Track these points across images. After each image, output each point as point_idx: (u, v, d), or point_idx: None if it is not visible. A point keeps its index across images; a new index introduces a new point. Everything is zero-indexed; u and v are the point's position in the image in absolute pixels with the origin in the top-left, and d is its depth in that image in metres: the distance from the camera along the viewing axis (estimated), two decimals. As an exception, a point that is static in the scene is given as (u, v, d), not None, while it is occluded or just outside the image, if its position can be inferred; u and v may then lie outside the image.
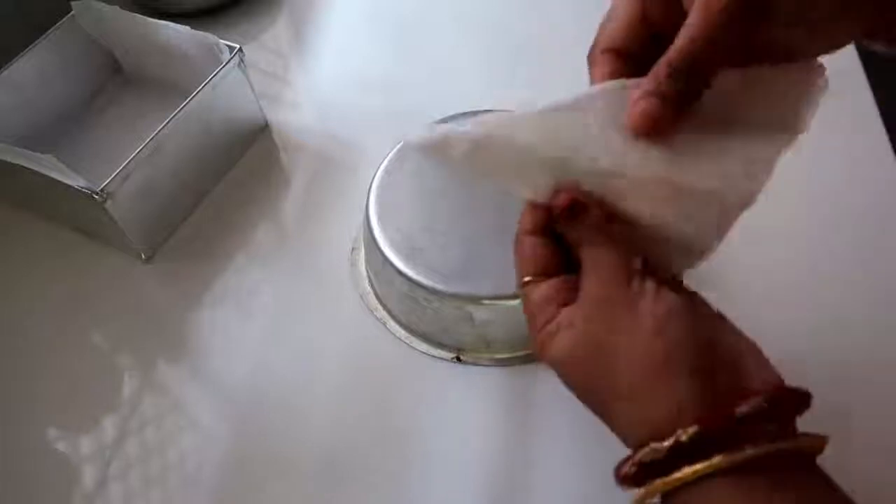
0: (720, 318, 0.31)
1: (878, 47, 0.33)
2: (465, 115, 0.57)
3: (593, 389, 0.31)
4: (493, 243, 0.50)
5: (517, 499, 0.46)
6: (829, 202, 0.57)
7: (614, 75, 0.33)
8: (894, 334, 0.50)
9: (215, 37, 0.60)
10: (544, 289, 0.33)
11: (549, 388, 0.49)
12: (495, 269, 0.48)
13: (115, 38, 0.67)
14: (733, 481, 0.27)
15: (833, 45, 0.32)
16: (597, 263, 0.32)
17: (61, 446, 0.52)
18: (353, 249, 0.58)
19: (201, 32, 0.60)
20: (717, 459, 0.27)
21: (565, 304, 0.32)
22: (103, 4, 0.63)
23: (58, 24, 0.65)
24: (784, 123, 0.33)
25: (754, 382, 0.29)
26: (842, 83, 0.63)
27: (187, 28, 0.60)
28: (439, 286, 0.48)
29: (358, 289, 0.56)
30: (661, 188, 0.32)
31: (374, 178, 0.54)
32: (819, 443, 0.29)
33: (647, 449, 0.28)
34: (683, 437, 0.27)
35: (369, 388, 0.51)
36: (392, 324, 0.54)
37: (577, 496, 0.46)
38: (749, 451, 0.27)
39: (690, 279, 0.49)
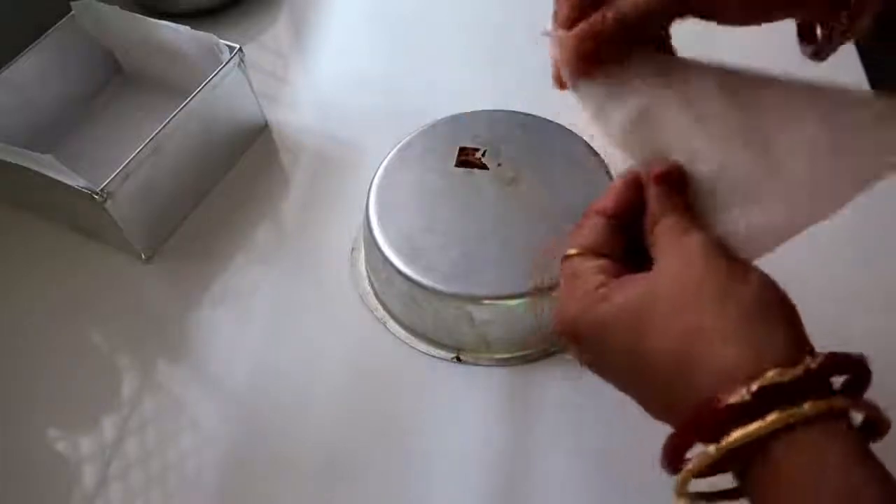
0: None
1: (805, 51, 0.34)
2: (465, 115, 0.57)
3: (656, 340, 0.28)
4: (493, 243, 0.50)
5: (517, 498, 0.46)
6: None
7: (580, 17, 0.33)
8: (894, 335, 0.50)
9: (215, 37, 0.60)
10: (599, 262, 0.31)
11: (549, 387, 0.49)
12: (495, 269, 0.49)
13: (115, 38, 0.67)
14: (846, 432, 0.26)
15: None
16: (680, 229, 0.30)
17: (61, 446, 0.52)
18: (353, 249, 0.58)
19: (201, 32, 0.60)
20: (839, 400, 0.25)
21: (616, 278, 0.30)
22: (103, 4, 0.63)
23: (58, 24, 0.65)
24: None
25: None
26: (842, 83, 0.63)
27: (187, 28, 0.60)
28: (439, 286, 0.48)
29: (358, 289, 0.56)
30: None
31: (374, 178, 0.55)
32: (888, 422, 0.28)
33: (772, 371, 0.25)
34: (813, 365, 0.25)
35: (369, 388, 0.51)
36: (392, 324, 0.54)
37: (577, 496, 0.46)
38: (867, 402, 0.26)
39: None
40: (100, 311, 0.58)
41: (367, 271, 0.56)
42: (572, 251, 0.32)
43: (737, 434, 0.25)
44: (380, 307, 0.55)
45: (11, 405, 0.53)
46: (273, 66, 0.74)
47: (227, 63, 0.60)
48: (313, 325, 0.55)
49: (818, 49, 0.35)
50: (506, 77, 0.70)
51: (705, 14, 0.32)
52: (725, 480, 0.28)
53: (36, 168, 0.53)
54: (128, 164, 0.54)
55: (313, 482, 0.48)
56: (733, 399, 0.25)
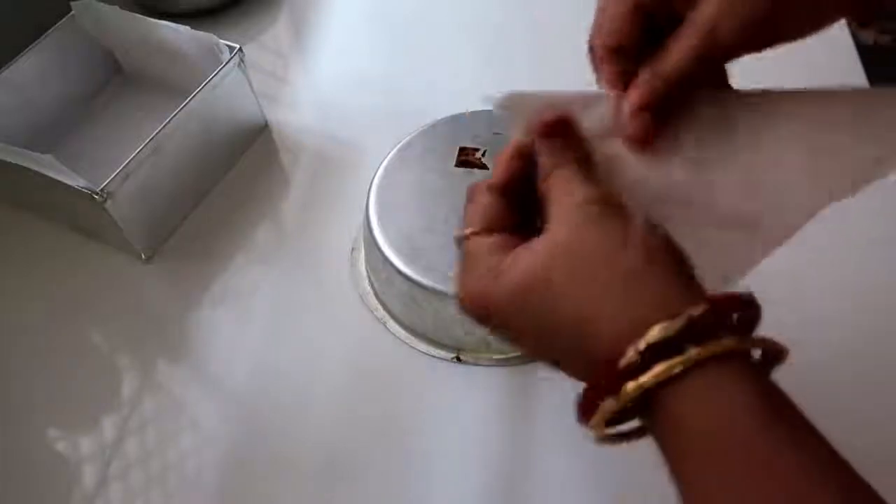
0: None
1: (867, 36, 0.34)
2: (465, 115, 0.57)
3: (566, 307, 0.29)
4: (493, 243, 0.50)
5: (517, 498, 0.46)
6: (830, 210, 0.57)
7: (625, 74, 0.33)
8: (894, 336, 0.50)
9: (215, 37, 0.60)
10: (493, 240, 0.31)
11: (548, 387, 0.49)
12: (495, 269, 0.48)
13: (115, 38, 0.67)
14: (726, 371, 0.26)
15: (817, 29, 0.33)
16: (574, 183, 0.31)
17: (61, 446, 0.52)
18: (353, 249, 0.58)
19: (201, 32, 0.60)
20: (727, 340, 0.26)
21: (512, 251, 0.31)
22: (103, 4, 0.63)
23: (58, 24, 0.65)
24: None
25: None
26: (841, 83, 0.63)
27: (187, 28, 0.60)
28: (439, 286, 0.48)
29: (358, 289, 0.56)
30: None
31: (374, 178, 0.55)
32: (785, 350, 0.29)
33: (655, 329, 0.26)
34: (696, 313, 0.26)
35: (369, 388, 0.51)
36: (392, 324, 0.54)
37: (577, 495, 0.46)
38: (743, 342, 0.27)
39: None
40: (100, 311, 0.58)
41: (367, 271, 0.56)
42: (467, 231, 0.32)
43: (629, 387, 0.26)
44: (380, 307, 0.55)
45: (11, 405, 0.53)
46: (273, 66, 0.74)
47: (227, 63, 0.60)
48: (313, 325, 0.55)
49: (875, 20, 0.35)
50: (506, 77, 0.70)
51: (761, 43, 0.32)
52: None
53: (36, 168, 0.53)
54: (128, 164, 0.54)
55: (313, 482, 0.48)
56: (624, 361, 0.26)
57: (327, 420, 0.50)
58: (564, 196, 0.31)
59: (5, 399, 0.54)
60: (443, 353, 0.52)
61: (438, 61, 0.73)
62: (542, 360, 0.31)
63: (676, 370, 0.26)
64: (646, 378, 0.26)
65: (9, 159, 0.54)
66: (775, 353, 0.28)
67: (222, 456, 0.49)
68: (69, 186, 0.53)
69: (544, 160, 0.32)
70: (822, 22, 0.32)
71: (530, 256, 0.30)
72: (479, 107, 0.57)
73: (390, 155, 0.56)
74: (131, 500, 0.48)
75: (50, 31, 0.64)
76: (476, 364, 0.51)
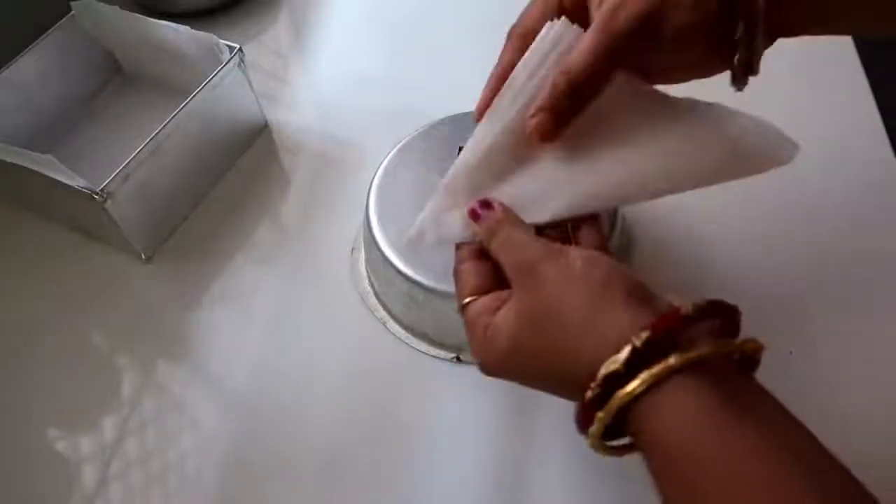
0: None
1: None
2: (465, 115, 0.57)
3: (545, 351, 0.32)
4: (493, 243, 0.50)
5: (517, 498, 0.46)
6: (828, 202, 0.57)
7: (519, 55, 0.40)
8: (894, 336, 0.50)
9: (215, 37, 0.60)
10: (481, 302, 0.36)
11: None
12: (495, 269, 0.48)
13: (115, 38, 0.67)
14: (690, 383, 0.28)
15: (707, 74, 0.38)
16: (510, 246, 0.36)
17: (61, 446, 0.52)
18: (353, 249, 0.58)
19: (201, 32, 0.60)
20: (672, 359, 0.28)
21: (498, 310, 0.35)
22: (103, 4, 0.63)
23: (58, 24, 0.65)
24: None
25: (686, 304, 0.30)
26: (841, 82, 0.63)
27: (187, 28, 0.60)
28: (439, 286, 0.48)
29: (358, 289, 0.56)
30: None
31: (374, 178, 0.54)
32: (758, 346, 0.30)
33: (606, 362, 0.29)
34: (637, 342, 0.28)
35: (369, 388, 0.51)
36: (392, 324, 0.54)
37: (577, 494, 0.46)
38: (702, 348, 0.28)
39: (686, 277, 0.49)
40: (100, 311, 0.58)
41: (367, 271, 0.56)
42: (464, 301, 0.37)
43: (599, 415, 0.30)
44: (380, 307, 0.55)
45: (11, 405, 0.53)
46: (273, 66, 0.74)
47: (227, 63, 0.60)
48: (313, 325, 0.55)
49: (737, 79, 0.38)
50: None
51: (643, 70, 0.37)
52: None
53: (36, 168, 0.53)
54: (128, 164, 0.54)
55: (313, 482, 0.48)
56: (590, 394, 0.30)
57: (327, 420, 0.50)
58: (508, 260, 0.35)
59: (5, 399, 0.54)
60: (443, 353, 0.52)
61: (438, 61, 0.73)
62: (544, 390, 0.35)
63: (625, 401, 0.29)
64: (602, 414, 0.29)
65: (9, 159, 0.54)
66: (749, 353, 0.30)
67: (222, 456, 0.49)
68: (69, 186, 0.53)
69: (482, 237, 0.38)
70: (707, 67, 0.38)
71: (508, 319, 0.34)
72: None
73: (390, 155, 0.56)
74: (131, 500, 0.48)
75: (50, 31, 0.64)
76: (476, 364, 0.51)
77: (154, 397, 0.53)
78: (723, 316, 0.30)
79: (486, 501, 0.46)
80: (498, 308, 0.35)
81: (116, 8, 0.64)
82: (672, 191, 0.37)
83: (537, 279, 0.33)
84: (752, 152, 0.36)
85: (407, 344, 0.53)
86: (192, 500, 0.48)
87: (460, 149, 0.54)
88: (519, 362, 0.34)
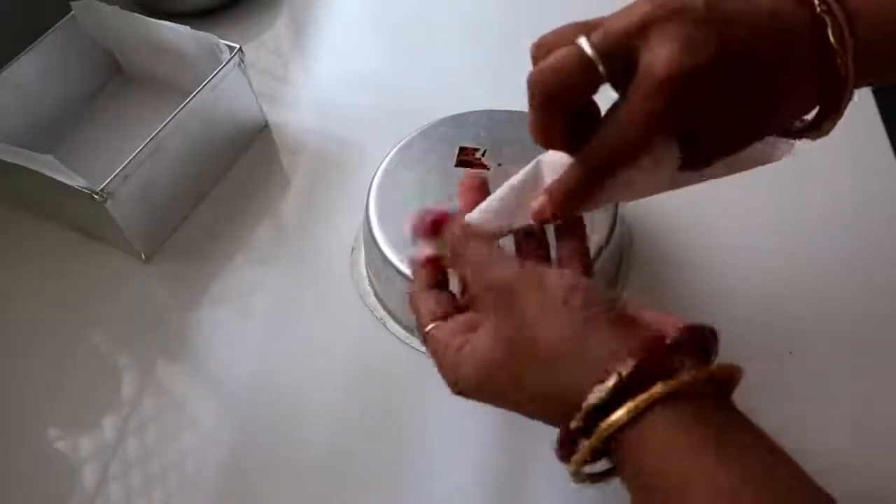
0: None
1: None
2: (464, 115, 0.57)
3: (522, 380, 0.32)
4: (493, 243, 0.50)
5: (518, 498, 0.46)
6: (828, 202, 0.57)
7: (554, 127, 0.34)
8: (894, 336, 0.50)
9: (215, 37, 0.60)
10: (449, 325, 0.35)
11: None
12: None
13: (115, 38, 0.67)
14: (671, 412, 0.28)
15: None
16: (480, 265, 0.34)
17: (61, 446, 0.52)
18: (353, 249, 0.58)
19: (201, 32, 0.60)
20: (657, 388, 0.28)
21: (466, 334, 0.34)
22: (103, 4, 0.63)
23: (58, 24, 0.65)
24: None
25: (667, 328, 0.30)
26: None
27: (187, 28, 0.60)
28: (439, 286, 0.48)
29: (358, 289, 0.56)
30: None
31: (374, 178, 0.54)
32: (738, 373, 0.30)
33: (591, 394, 0.28)
34: (624, 372, 0.28)
35: (369, 388, 0.51)
36: (392, 324, 0.54)
37: (577, 494, 0.45)
38: (685, 376, 0.28)
39: (686, 277, 0.49)
40: (100, 311, 0.58)
41: (367, 271, 0.56)
42: (427, 328, 0.36)
43: (576, 457, 0.30)
44: (380, 307, 0.55)
45: (11, 405, 0.53)
46: (273, 66, 0.74)
47: (227, 63, 0.60)
48: (313, 325, 0.55)
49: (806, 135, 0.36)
50: (506, 77, 0.70)
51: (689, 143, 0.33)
52: None
53: (36, 168, 0.53)
54: (128, 164, 0.54)
55: (313, 482, 0.48)
56: (573, 424, 0.29)
57: (327, 419, 0.50)
58: (479, 280, 0.34)
59: (5, 399, 0.54)
60: (443, 353, 0.52)
61: (438, 61, 0.73)
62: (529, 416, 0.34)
63: (605, 435, 0.28)
64: (581, 453, 0.29)
65: (9, 159, 0.54)
66: (727, 377, 0.30)
67: (222, 456, 0.49)
68: (69, 186, 0.53)
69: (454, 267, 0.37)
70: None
71: (481, 346, 0.33)
72: (480, 107, 0.57)
73: (390, 155, 0.56)
74: (131, 500, 0.48)
75: (50, 31, 0.64)
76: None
77: (154, 397, 0.53)
78: (703, 339, 0.30)
79: (485, 501, 0.46)
80: (470, 329, 0.34)
81: (116, 8, 0.64)
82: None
83: (515, 305, 0.32)
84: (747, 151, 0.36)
85: (407, 344, 0.53)
86: (192, 500, 0.48)
87: (460, 149, 0.55)
88: (496, 385, 0.33)
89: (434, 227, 0.37)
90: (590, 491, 0.45)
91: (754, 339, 0.49)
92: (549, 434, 0.48)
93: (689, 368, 0.28)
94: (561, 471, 0.46)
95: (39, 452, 0.51)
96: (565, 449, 0.31)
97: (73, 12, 0.65)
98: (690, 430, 0.28)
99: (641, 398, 0.27)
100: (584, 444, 0.29)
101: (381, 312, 0.54)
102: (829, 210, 0.57)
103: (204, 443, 0.50)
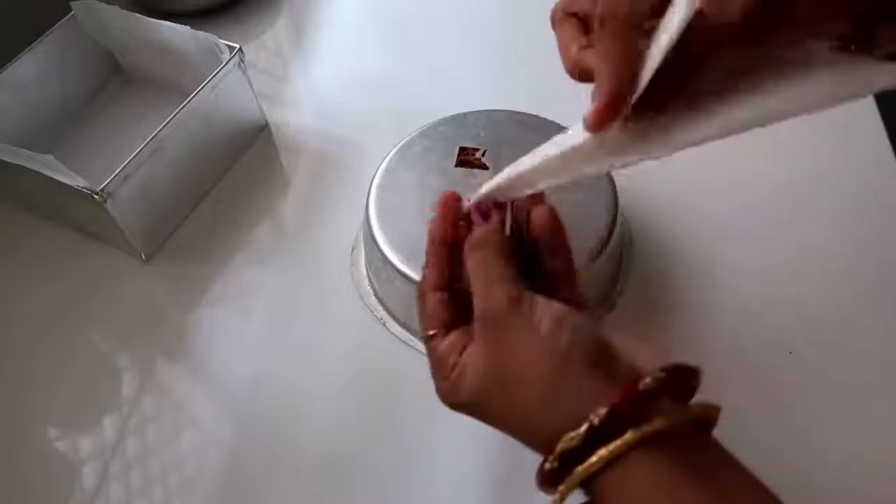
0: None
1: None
2: (465, 115, 0.57)
3: (509, 410, 0.32)
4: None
5: (517, 498, 0.46)
6: (828, 202, 0.57)
7: (575, 37, 0.36)
8: (893, 336, 0.50)
9: (215, 37, 0.60)
10: (448, 340, 0.35)
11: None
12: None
13: (115, 38, 0.67)
14: (646, 457, 0.28)
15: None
16: (484, 273, 0.34)
17: (61, 446, 0.52)
18: (353, 249, 0.58)
19: (201, 32, 0.60)
20: (628, 435, 0.28)
21: (465, 349, 0.34)
22: (103, 4, 0.63)
23: (58, 24, 0.64)
24: None
25: (646, 368, 0.30)
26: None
27: (187, 28, 0.60)
28: (439, 286, 0.48)
29: (358, 289, 0.56)
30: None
31: (374, 178, 0.54)
32: (715, 412, 0.30)
33: (564, 438, 0.29)
34: (595, 420, 0.28)
35: (369, 388, 0.51)
36: (392, 324, 0.54)
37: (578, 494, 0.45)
38: (657, 422, 0.28)
39: (686, 276, 0.49)
40: (100, 311, 0.58)
41: (367, 271, 0.56)
42: (429, 333, 0.36)
43: (561, 488, 0.30)
44: (380, 307, 0.55)
45: (11, 405, 0.53)
46: (273, 66, 0.74)
47: (227, 63, 0.60)
48: (313, 325, 0.55)
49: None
50: (506, 77, 0.70)
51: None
52: None
53: (36, 168, 0.53)
54: (128, 164, 0.54)
55: (313, 482, 0.48)
56: (548, 466, 0.30)
57: (327, 419, 0.50)
58: (478, 291, 0.34)
59: (5, 399, 0.54)
60: (443, 353, 0.52)
61: (438, 61, 0.73)
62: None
63: (577, 481, 0.29)
64: (561, 489, 0.30)
65: (9, 159, 0.54)
66: (705, 416, 0.30)
67: (222, 456, 0.49)
68: (69, 186, 0.53)
69: (468, 265, 0.36)
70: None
71: (471, 370, 0.33)
72: (480, 107, 0.57)
73: (390, 155, 0.56)
74: (131, 500, 0.48)
75: (50, 31, 0.64)
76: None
77: (154, 397, 0.53)
78: (684, 378, 0.30)
79: (486, 499, 0.46)
80: (464, 347, 0.34)
81: (116, 8, 0.64)
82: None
83: (504, 336, 0.33)
84: None
85: (407, 344, 0.53)
86: (192, 500, 0.48)
87: (460, 149, 0.55)
88: (482, 408, 0.34)
89: (486, 213, 0.37)
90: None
91: (754, 339, 0.49)
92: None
93: (667, 411, 0.29)
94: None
95: (39, 452, 0.51)
96: (544, 484, 0.31)
97: (73, 12, 0.65)
98: (670, 474, 0.28)
99: (615, 445, 0.28)
100: (561, 489, 0.30)
101: (381, 312, 0.54)
102: (830, 210, 0.57)
103: (204, 443, 0.50)
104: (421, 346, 0.52)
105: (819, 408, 0.47)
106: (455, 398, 0.34)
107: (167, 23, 0.61)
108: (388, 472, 0.48)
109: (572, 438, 0.29)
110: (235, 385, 0.53)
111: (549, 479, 0.30)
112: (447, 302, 0.36)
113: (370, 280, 0.56)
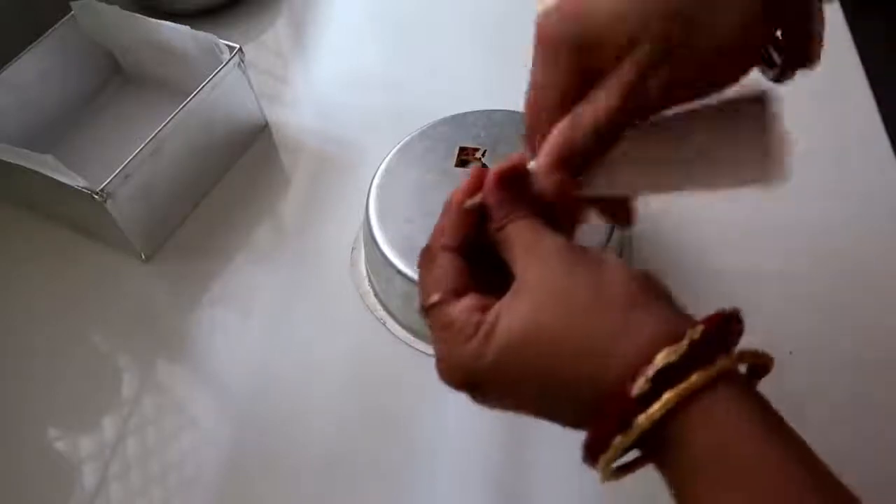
0: None
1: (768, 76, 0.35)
2: (464, 115, 0.57)
3: (558, 355, 0.28)
4: (493, 243, 0.50)
5: (518, 497, 0.46)
6: (828, 202, 0.57)
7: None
8: (893, 336, 0.50)
9: (215, 37, 0.60)
10: (463, 302, 0.30)
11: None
12: (495, 269, 0.48)
13: (115, 38, 0.67)
14: (736, 389, 0.27)
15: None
16: (531, 228, 0.31)
17: (61, 446, 0.52)
18: (353, 249, 0.58)
19: (201, 32, 0.60)
20: (724, 361, 0.26)
21: (486, 309, 0.30)
22: (103, 4, 0.63)
23: (58, 24, 0.65)
24: (757, 167, 0.35)
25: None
26: (842, 83, 0.63)
27: (187, 28, 0.60)
28: (439, 286, 0.48)
29: (358, 289, 0.56)
30: None
31: (374, 178, 0.55)
32: (771, 361, 0.29)
33: (661, 354, 0.26)
34: (696, 336, 0.26)
35: (369, 388, 0.51)
36: (392, 324, 0.54)
37: (577, 494, 0.46)
38: (746, 352, 0.27)
39: (686, 277, 0.49)
40: (100, 311, 0.58)
41: (367, 271, 0.56)
42: (433, 299, 0.31)
43: (640, 420, 0.26)
44: (380, 307, 0.55)
45: (11, 405, 0.53)
46: (273, 66, 0.74)
47: (227, 63, 0.60)
48: (313, 325, 0.55)
49: (779, 74, 0.35)
50: (506, 77, 0.70)
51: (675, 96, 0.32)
52: None
53: (36, 168, 0.53)
54: (128, 164, 0.54)
55: (313, 481, 0.48)
56: (636, 390, 0.26)
57: (327, 419, 0.50)
58: (534, 243, 0.30)
59: (5, 399, 0.54)
60: (443, 353, 0.52)
61: (438, 61, 0.73)
62: (540, 416, 0.30)
63: (683, 397, 0.26)
64: (656, 408, 0.26)
65: (9, 159, 0.54)
66: (762, 366, 0.29)
67: (222, 456, 0.49)
68: (69, 186, 0.53)
69: (498, 212, 0.32)
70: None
71: (513, 311, 0.29)
72: (480, 107, 0.57)
73: (390, 155, 0.56)
74: (131, 500, 0.48)
75: (50, 31, 0.64)
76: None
77: (154, 397, 0.53)
78: (730, 326, 0.29)
79: (486, 499, 0.46)
80: (484, 307, 0.30)
81: (116, 8, 0.64)
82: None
83: (571, 261, 0.29)
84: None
85: (407, 344, 0.53)
86: (192, 499, 0.48)
87: (460, 149, 0.55)
88: (517, 367, 0.28)
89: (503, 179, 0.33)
90: (591, 491, 0.45)
91: (754, 339, 0.49)
92: (549, 435, 0.48)
93: (731, 355, 0.27)
94: (562, 472, 0.46)
95: (39, 452, 0.51)
96: (604, 437, 0.27)
97: (73, 12, 0.65)
98: (745, 410, 0.26)
99: (708, 370, 0.26)
100: (638, 421, 0.26)
101: (381, 312, 0.54)
102: (830, 210, 0.57)
103: (204, 443, 0.50)
104: (421, 346, 0.52)
105: (819, 408, 0.47)
106: (480, 361, 0.29)
107: (167, 23, 0.61)
108: (388, 471, 0.48)
109: (670, 354, 0.26)
110: (235, 385, 0.53)
111: (629, 411, 0.26)
112: (463, 269, 0.31)
113: (370, 280, 0.56)
